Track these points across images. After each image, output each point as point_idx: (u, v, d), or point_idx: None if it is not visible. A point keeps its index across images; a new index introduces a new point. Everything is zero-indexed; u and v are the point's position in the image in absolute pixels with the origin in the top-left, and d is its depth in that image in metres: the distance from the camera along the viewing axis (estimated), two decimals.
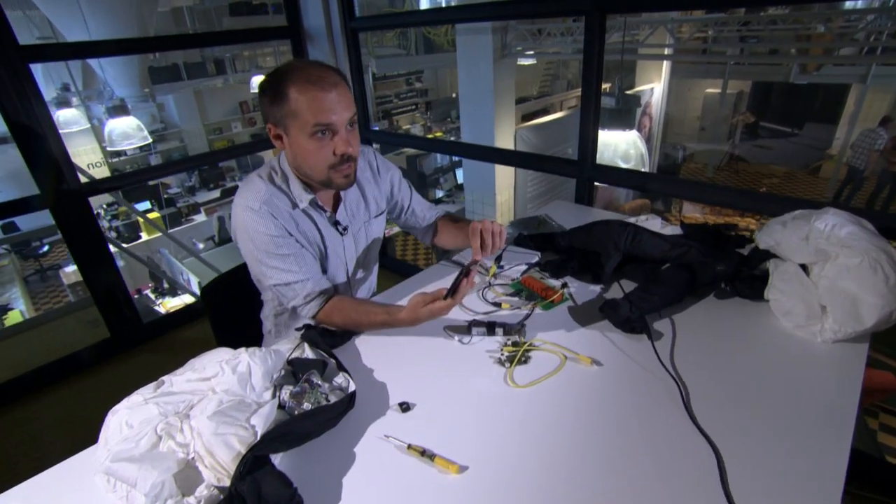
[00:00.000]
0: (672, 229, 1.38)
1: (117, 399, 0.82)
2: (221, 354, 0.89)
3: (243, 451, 0.71)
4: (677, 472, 0.73)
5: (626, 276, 1.22)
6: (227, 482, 0.70)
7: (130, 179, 2.65)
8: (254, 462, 0.70)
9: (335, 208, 1.15)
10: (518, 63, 6.66)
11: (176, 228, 7.59)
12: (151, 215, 7.70)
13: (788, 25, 5.95)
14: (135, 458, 0.71)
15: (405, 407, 0.87)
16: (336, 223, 1.15)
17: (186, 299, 5.51)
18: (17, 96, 1.76)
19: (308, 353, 0.98)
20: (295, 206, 1.08)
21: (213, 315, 1.31)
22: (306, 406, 0.84)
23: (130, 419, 0.77)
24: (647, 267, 1.18)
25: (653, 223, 1.37)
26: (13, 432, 1.94)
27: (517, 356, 0.96)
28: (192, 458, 0.73)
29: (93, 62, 5.88)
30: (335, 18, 2.42)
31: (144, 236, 7.34)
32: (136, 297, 6.00)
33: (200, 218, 8.25)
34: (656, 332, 1.03)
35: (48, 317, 2.96)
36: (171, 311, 2.77)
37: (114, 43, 2.82)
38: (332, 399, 0.86)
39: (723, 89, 8.91)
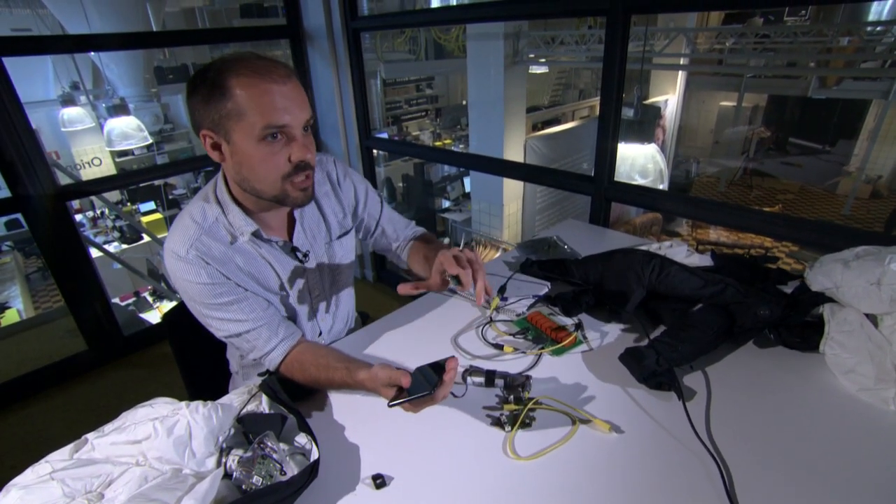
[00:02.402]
0: (700, 259, 1.20)
1: (91, 420, 0.67)
2: (159, 409, 0.74)
3: None
4: None
5: (649, 315, 1.05)
6: None
7: (115, 183, 2.52)
8: None
9: (290, 232, 0.97)
10: (530, 71, 6.52)
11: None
12: (155, 216, 7.62)
13: (810, 38, 5.76)
14: None
15: (379, 482, 0.71)
16: (294, 249, 0.97)
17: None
18: None
19: (265, 406, 0.82)
20: (234, 239, 0.89)
21: (176, 346, 1.15)
22: (256, 480, 0.67)
23: (27, 500, 0.61)
24: (675, 306, 1.01)
25: (678, 251, 1.20)
26: None
27: (520, 418, 0.79)
28: None
29: (97, 61, 5.81)
30: (336, 18, 2.28)
31: (146, 237, 7.24)
32: (133, 299, 5.89)
33: None
34: (687, 389, 0.86)
35: (27, 324, 2.83)
36: (155, 324, 2.62)
37: (105, 37, 2.70)
38: (290, 469, 0.70)
39: (738, 102, 8.70)
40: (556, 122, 7.14)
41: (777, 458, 0.73)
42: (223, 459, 0.71)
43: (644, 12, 2.60)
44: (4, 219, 7.84)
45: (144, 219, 7.40)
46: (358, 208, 1.09)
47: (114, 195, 8.78)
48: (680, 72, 6.96)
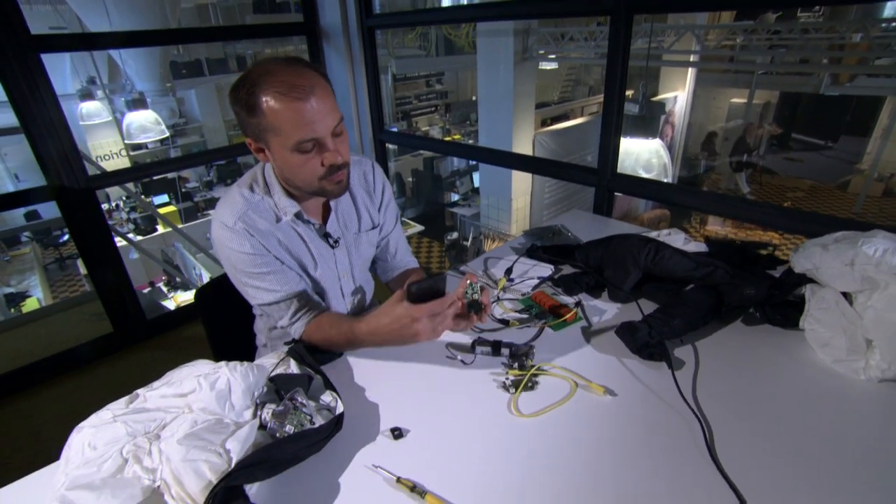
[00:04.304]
0: (696, 246, 1.28)
1: (116, 397, 0.77)
2: (200, 368, 0.83)
3: (214, 481, 0.65)
4: None
5: (645, 296, 1.12)
6: None
7: (137, 173, 2.63)
8: (226, 494, 0.63)
9: (325, 219, 1.07)
10: (539, 67, 6.56)
11: (192, 223, 7.64)
12: (168, 209, 7.77)
13: (822, 34, 5.74)
14: (94, 486, 0.64)
15: (397, 434, 0.80)
16: (326, 235, 1.06)
17: None
18: (28, 86, 1.74)
19: (294, 368, 0.91)
20: (279, 219, 0.99)
21: (206, 319, 1.25)
22: (288, 428, 0.77)
23: (94, 440, 0.71)
24: (668, 287, 1.09)
25: (675, 238, 1.27)
26: (11, 427, 1.92)
27: (523, 381, 0.88)
28: (159, 487, 0.67)
29: (115, 56, 5.95)
30: (351, 16, 2.36)
31: (161, 229, 7.40)
32: (148, 289, 6.04)
33: None
34: (677, 360, 0.94)
35: (54, 308, 2.96)
36: (175, 308, 2.73)
37: (126, 34, 2.80)
38: (318, 421, 0.79)
39: (749, 99, 8.67)
40: (566, 117, 7.18)
41: (756, 419, 0.81)
42: (258, 412, 0.81)
43: (646, 12, 2.66)
44: (23, 210, 8.05)
45: (159, 210, 7.53)
46: (381, 211, 1.18)
47: (129, 188, 8.97)
48: (690, 68, 6.96)
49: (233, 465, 0.68)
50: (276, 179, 0.99)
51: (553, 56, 6.23)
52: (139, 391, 0.83)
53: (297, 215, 1.00)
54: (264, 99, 0.84)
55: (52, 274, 8.14)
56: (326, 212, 1.07)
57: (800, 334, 0.97)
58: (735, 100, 9.61)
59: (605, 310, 1.11)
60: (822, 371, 0.90)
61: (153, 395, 0.81)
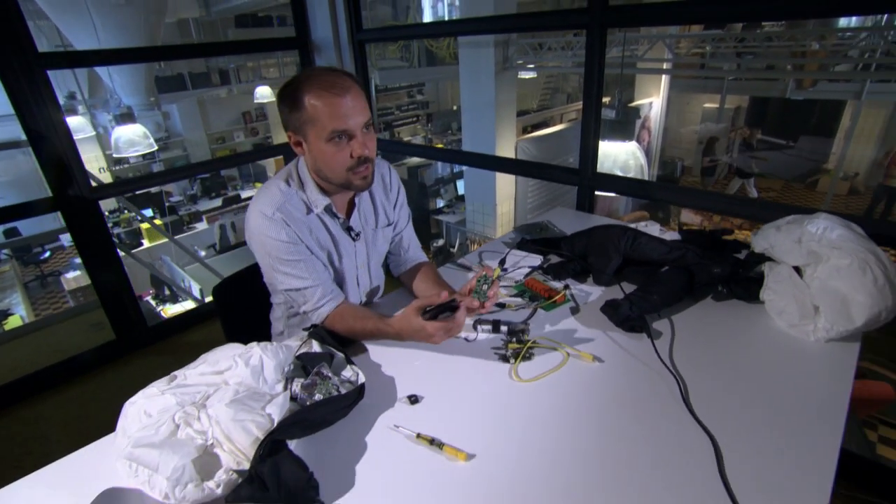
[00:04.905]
0: (671, 235, 1.42)
1: (123, 400, 0.84)
2: (233, 349, 0.93)
3: (261, 437, 0.74)
4: (677, 461, 0.76)
5: (625, 279, 1.25)
6: (246, 465, 0.73)
7: (140, 183, 2.69)
8: (272, 446, 0.73)
9: (349, 215, 1.19)
10: (518, 76, 6.76)
11: (177, 236, 7.63)
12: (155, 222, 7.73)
13: (784, 42, 6.06)
14: (155, 445, 0.74)
15: (413, 399, 0.91)
16: (349, 229, 1.18)
17: (187, 305, 5.53)
18: (35, 102, 1.81)
19: (316, 349, 1.01)
20: (309, 211, 1.11)
21: (223, 314, 1.34)
22: (318, 397, 0.87)
23: (149, 408, 0.80)
24: (646, 269, 1.22)
25: (652, 229, 1.41)
26: (19, 431, 1.96)
27: (521, 352, 0.99)
28: (211, 445, 0.76)
29: (101, 71, 5.97)
30: (342, 30, 2.48)
31: (146, 243, 7.37)
32: None
33: (202, 226, 8.30)
34: (655, 332, 1.07)
35: (51, 320, 2.99)
36: (174, 316, 2.79)
37: (133, 51, 2.89)
38: (343, 390, 0.89)
39: (721, 104, 9.02)
40: (545, 124, 7.39)
41: (725, 377, 0.93)
42: (288, 386, 0.91)
43: (619, 27, 2.84)
44: (2, 227, 7.92)
45: (144, 226, 7.51)
46: (395, 209, 1.30)
47: (110, 203, 8.91)
48: (663, 76, 7.24)
49: (275, 424, 0.77)
50: (308, 175, 1.10)
51: (532, 65, 6.44)
52: (177, 372, 0.92)
53: (327, 208, 1.12)
54: (307, 95, 0.97)
55: (32, 292, 8.00)
56: (350, 208, 1.19)
57: (761, 307, 1.11)
58: (708, 105, 9.99)
59: (591, 292, 1.24)
60: (779, 335, 1.03)
61: (192, 374, 0.90)
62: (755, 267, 1.13)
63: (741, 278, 1.13)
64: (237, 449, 0.74)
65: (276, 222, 1.06)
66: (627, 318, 1.05)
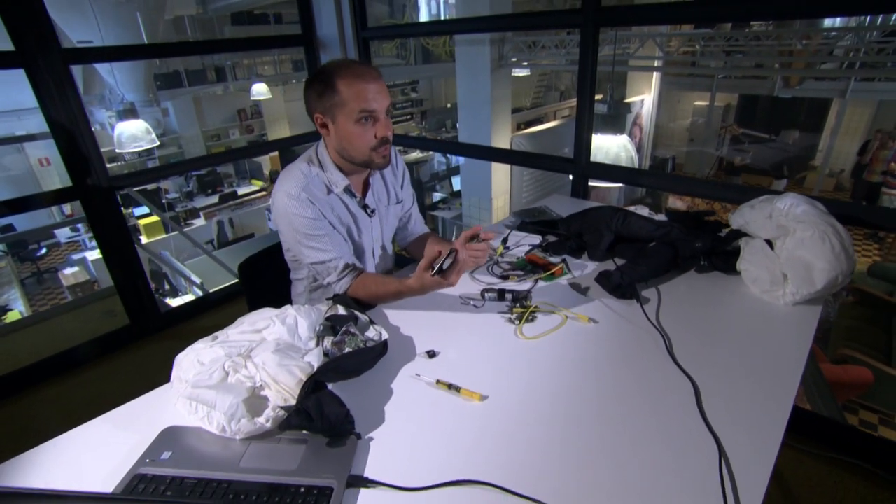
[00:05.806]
0: (659, 217, 1.54)
1: (141, 378, 0.94)
2: (267, 312, 1.04)
3: (304, 378, 0.86)
4: (663, 400, 0.89)
5: (617, 254, 1.38)
6: (292, 402, 0.84)
7: (157, 173, 2.77)
8: (314, 385, 0.85)
9: (364, 194, 1.31)
10: (513, 74, 6.89)
11: (174, 233, 7.68)
12: (150, 219, 7.78)
13: (771, 41, 6.24)
14: (211, 386, 0.85)
15: (431, 354, 1.03)
16: (365, 206, 1.30)
17: (188, 299, 5.60)
18: (59, 95, 1.91)
19: (342, 312, 1.12)
20: (329, 191, 1.23)
21: (248, 290, 1.45)
22: (348, 350, 0.98)
23: (201, 357, 0.91)
24: (635, 245, 1.35)
25: (641, 211, 1.54)
26: (43, 409, 2.06)
27: (525, 315, 1.11)
28: (259, 387, 0.87)
29: (102, 68, 6.02)
30: (348, 28, 2.59)
31: (144, 239, 7.42)
32: None
33: (199, 222, 8.36)
34: (644, 298, 1.19)
35: (61, 309, 3.08)
36: (186, 303, 2.89)
37: (149, 47, 2.98)
38: (369, 346, 1.01)
39: (711, 102, 9.21)
40: (539, 121, 7.53)
41: (705, 334, 1.06)
42: (320, 343, 1.02)
43: (611, 26, 2.97)
44: (1, 223, 7.92)
45: (141, 222, 7.55)
46: (402, 188, 1.43)
47: None
48: (654, 73, 7.40)
49: (315, 369, 0.89)
50: (328, 158, 1.22)
51: (526, 63, 6.58)
52: (217, 332, 1.03)
53: (346, 189, 1.24)
54: (340, 81, 1.10)
55: (29, 288, 8.02)
56: (365, 188, 1.31)
57: (738, 278, 1.24)
58: (698, 102, 10.19)
59: (586, 266, 1.36)
60: (753, 300, 1.17)
61: (233, 332, 1.01)
62: (733, 242, 1.26)
63: (720, 252, 1.26)
64: (284, 388, 0.86)
65: (302, 201, 1.17)
66: (619, 285, 1.17)
